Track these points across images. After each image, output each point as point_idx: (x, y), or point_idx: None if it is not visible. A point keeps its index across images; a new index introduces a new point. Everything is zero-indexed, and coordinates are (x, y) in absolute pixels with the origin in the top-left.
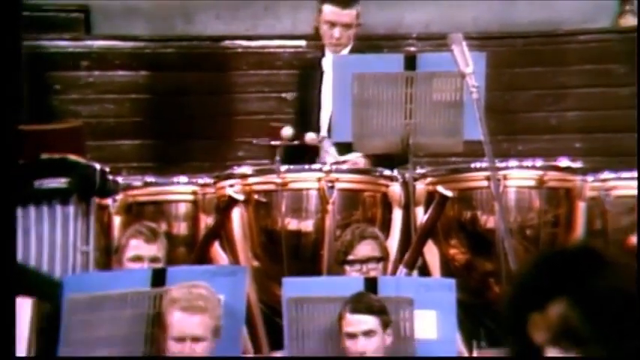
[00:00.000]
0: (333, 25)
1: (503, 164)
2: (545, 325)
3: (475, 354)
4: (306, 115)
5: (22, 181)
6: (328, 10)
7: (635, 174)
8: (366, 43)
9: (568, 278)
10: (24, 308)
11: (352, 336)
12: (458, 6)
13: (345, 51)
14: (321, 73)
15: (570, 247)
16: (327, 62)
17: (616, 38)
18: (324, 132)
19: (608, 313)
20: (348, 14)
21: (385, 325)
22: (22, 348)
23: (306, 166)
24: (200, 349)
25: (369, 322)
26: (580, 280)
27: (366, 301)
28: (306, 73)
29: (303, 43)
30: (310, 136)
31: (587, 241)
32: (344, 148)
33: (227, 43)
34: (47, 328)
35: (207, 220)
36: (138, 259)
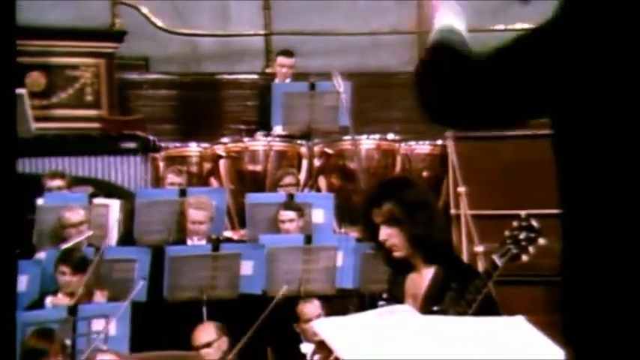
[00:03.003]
0: (282, 66)
1: (359, 137)
2: (380, 214)
3: (342, 229)
4: (263, 114)
5: (113, 144)
6: (280, 58)
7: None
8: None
9: (393, 191)
10: (115, 205)
11: (283, 222)
12: (336, 58)
13: (288, 80)
14: (271, 92)
15: (394, 177)
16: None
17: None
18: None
19: (413, 208)
20: (289, 61)
21: (300, 216)
22: (114, 227)
23: (259, 139)
24: (203, 227)
25: (291, 215)
26: (399, 191)
27: (290, 204)
28: (263, 93)
29: (256, 76)
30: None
31: (402, 174)
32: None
33: (218, 76)
34: (127, 216)
35: (207, 165)
36: (172, 184)
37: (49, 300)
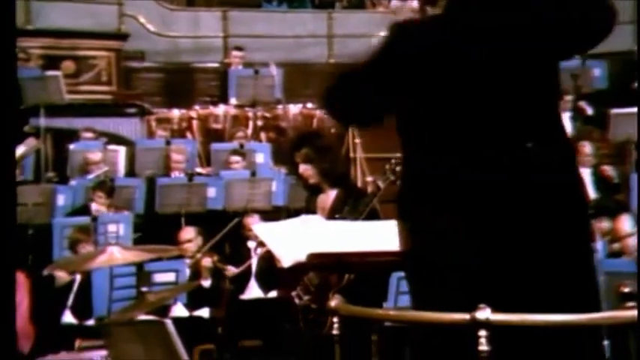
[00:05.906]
0: (235, 57)
1: (287, 106)
2: (300, 156)
3: (276, 167)
4: (223, 90)
5: (120, 110)
6: (234, 52)
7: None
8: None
9: (308, 139)
10: (122, 150)
11: (231, 163)
12: (272, 52)
13: (239, 67)
14: (228, 75)
15: (309, 131)
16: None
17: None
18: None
19: (323, 151)
20: (240, 54)
21: (243, 159)
22: (121, 165)
23: (219, 107)
24: (181, 165)
25: (237, 158)
26: (313, 140)
27: (236, 151)
28: (222, 76)
29: (218, 65)
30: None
31: (316, 130)
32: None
33: (192, 65)
34: (130, 157)
35: (184, 124)
36: (160, 137)
37: (94, 206)
